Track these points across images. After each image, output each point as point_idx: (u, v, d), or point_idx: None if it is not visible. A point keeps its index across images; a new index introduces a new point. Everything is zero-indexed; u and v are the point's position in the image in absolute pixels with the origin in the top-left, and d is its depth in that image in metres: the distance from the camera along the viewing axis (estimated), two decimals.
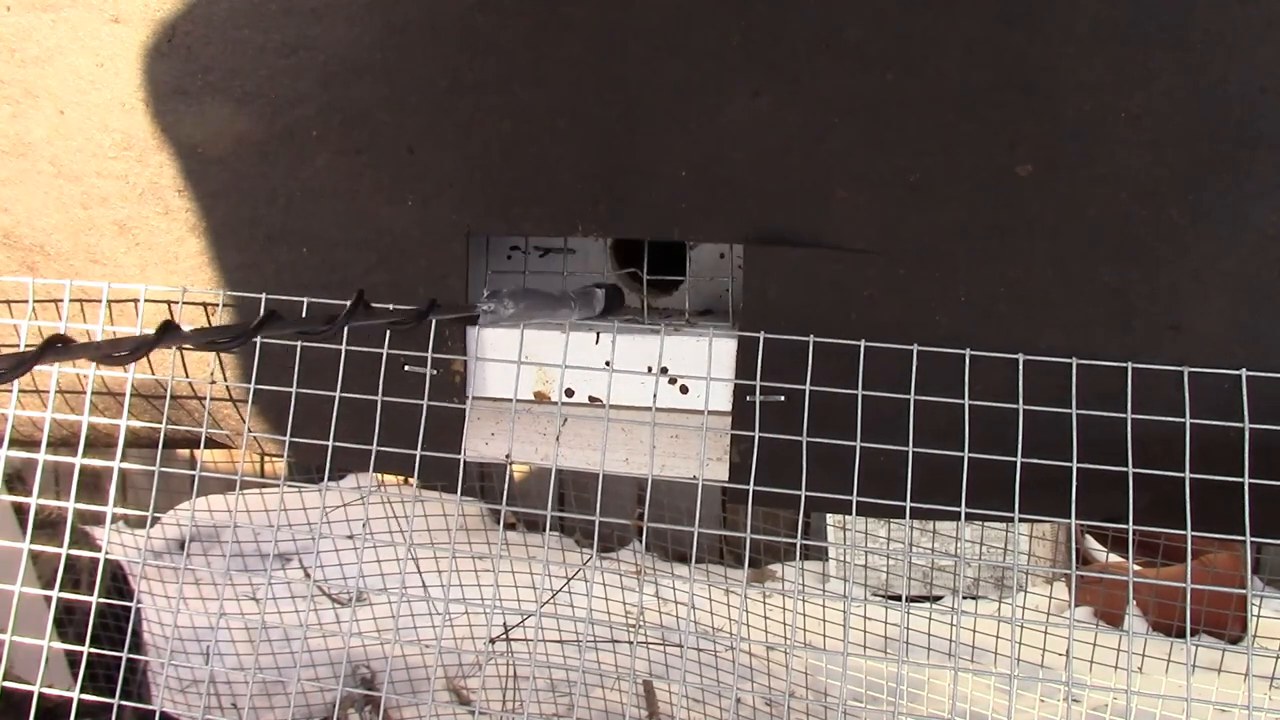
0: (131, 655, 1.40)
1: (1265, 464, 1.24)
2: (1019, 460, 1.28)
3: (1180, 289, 1.29)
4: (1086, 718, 2.30)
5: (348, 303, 0.86)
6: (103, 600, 1.42)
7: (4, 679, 1.42)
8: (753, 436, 1.35)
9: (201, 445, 1.50)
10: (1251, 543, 1.23)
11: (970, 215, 1.31)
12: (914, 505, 1.28)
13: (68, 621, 2.62)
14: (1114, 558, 3.07)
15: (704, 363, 1.40)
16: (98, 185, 1.49)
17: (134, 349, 0.64)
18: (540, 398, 1.50)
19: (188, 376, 1.56)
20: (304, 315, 1.45)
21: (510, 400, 1.45)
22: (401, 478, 1.62)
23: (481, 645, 2.76)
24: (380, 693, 1.37)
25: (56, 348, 0.57)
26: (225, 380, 1.56)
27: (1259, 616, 2.54)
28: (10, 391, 1.57)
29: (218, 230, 1.49)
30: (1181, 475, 1.23)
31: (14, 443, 1.55)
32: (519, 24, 1.33)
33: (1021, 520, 1.30)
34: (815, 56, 1.28)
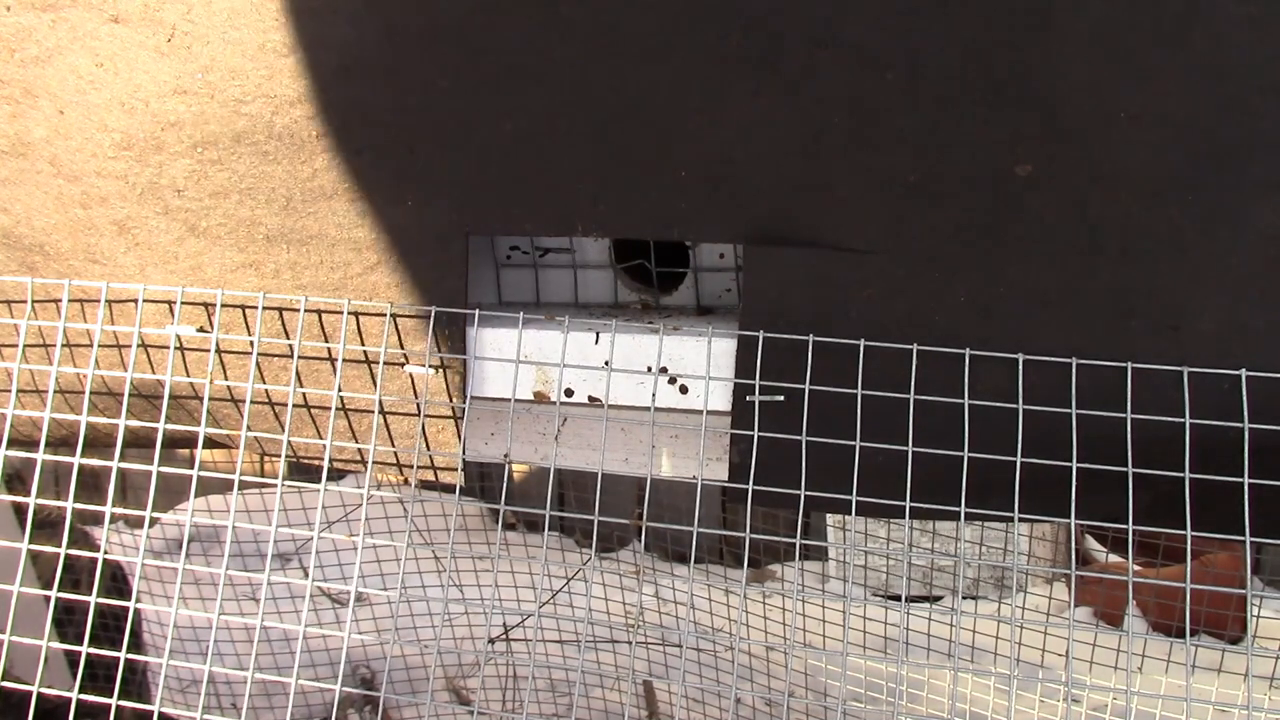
0: (130, 655, 1.39)
1: (1265, 464, 1.24)
2: (1019, 460, 1.27)
3: (1180, 289, 1.29)
4: (1086, 718, 2.30)
5: (343, 304, 0.85)
6: (102, 600, 1.41)
7: (3, 679, 1.42)
8: (752, 436, 1.35)
9: (200, 445, 1.49)
10: (1251, 543, 1.23)
11: (970, 215, 1.31)
12: (914, 505, 1.28)
13: (67, 621, 2.62)
14: (1114, 558, 3.07)
15: (703, 362, 1.40)
16: (97, 185, 1.49)
17: None
18: (539, 397, 1.50)
19: (188, 376, 1.56)
20: (302, 314, 1.45)
21: (509, 400, 1.45)
22: (401, 478, 1.62)
23: (481, 645, 2.76)
24: (380, 693, 1.37)
25: None
26: (225, 380, 1.56)
27: (1259, 616, 2.54)
28: (10, 391, 1.57)
29: (217, 230, 1.49)
30: (1181, 475, 1.23)
31: (13, 443, 1.54)
32: (519, 24, 1.33)
33: (1021, 520, 1.30)
34: (815, 56, 1.28)
